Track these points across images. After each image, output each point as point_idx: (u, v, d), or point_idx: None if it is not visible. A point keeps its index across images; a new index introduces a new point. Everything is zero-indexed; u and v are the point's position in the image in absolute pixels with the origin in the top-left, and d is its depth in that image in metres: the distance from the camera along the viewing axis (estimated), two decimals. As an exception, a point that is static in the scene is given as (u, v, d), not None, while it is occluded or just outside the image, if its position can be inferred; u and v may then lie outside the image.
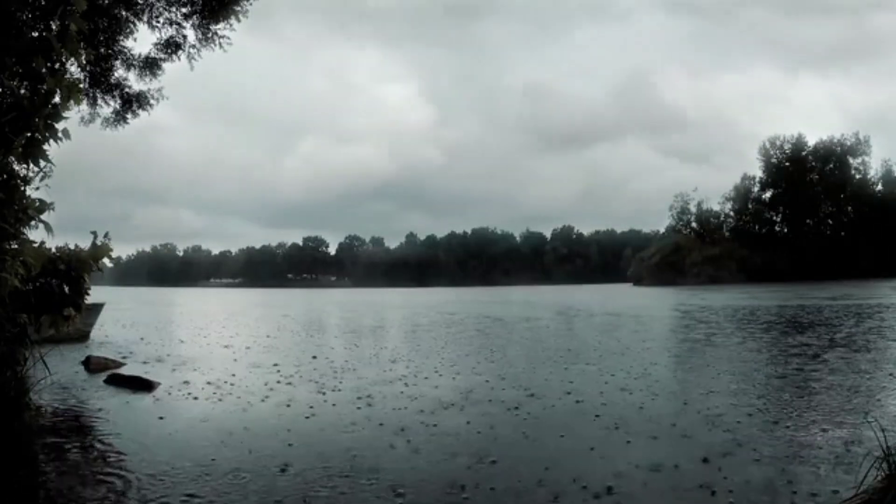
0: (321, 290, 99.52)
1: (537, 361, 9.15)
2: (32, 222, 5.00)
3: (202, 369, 8.47)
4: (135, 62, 10.48)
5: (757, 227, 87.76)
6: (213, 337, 13.90)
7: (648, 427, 5.06)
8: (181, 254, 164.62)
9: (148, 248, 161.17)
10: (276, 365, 8.91)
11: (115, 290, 53.09)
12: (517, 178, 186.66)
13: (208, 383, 7.30)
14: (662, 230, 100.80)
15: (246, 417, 5.57)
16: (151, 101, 10.82)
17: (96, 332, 13.29)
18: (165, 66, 10.54)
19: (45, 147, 4.85)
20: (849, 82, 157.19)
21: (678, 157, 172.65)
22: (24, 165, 4.85)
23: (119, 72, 10.53)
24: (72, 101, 4.96)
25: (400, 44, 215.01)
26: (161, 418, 5.50)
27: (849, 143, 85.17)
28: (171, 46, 10.36)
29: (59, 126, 4.88)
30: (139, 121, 10.88)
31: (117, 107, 10.72)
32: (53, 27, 4.93)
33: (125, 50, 10.36)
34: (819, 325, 14.60)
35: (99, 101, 10.58)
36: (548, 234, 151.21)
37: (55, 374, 6.68)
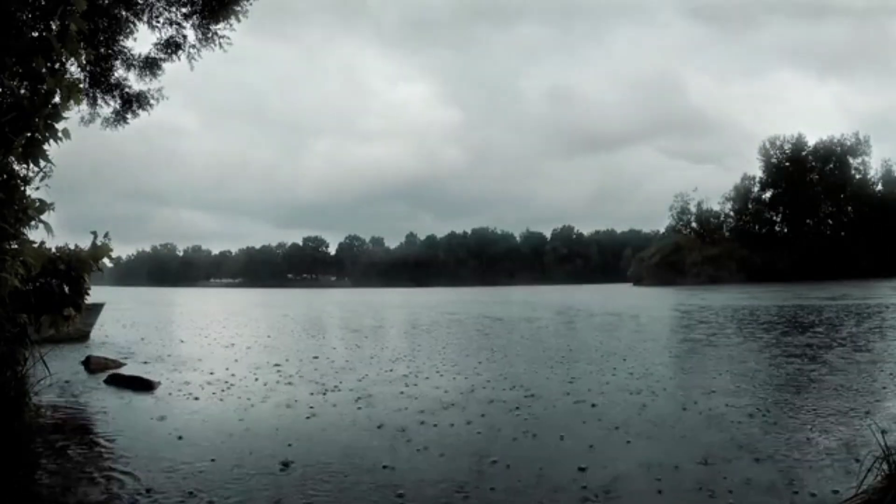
0: (321, 290, 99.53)
1: (538, 361, 9.15)
2: (32, 222, 4.99)
3: (202, 369, 8.47)
4: (135, 62, 10.47)
5: (757, 227, 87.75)
6: (214, 337, 13.90)
7: (649, 428, 5.06)
8: (181, 254, 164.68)
9: (148, 248, 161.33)
10: (276, 365, 8.91)
11: (114, 290, 53.09)
12: (535, 180, 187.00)
13: (208, 383, 7.30)
14: (662, 230, 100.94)
15: (246, 417, 5.57)
16: (151, 101, 10.81)
17: (96, 332, 13.29)
18: (169, 66, 10.54)
19: (45, 147, 4.85)
20: (867, 86, 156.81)
21: (693, 160, 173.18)
22: (24, 165, 4.84)
23: (119, 72, 10.52)
24: (72, 101, 4.96)
25: (421, 46, 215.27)
26: (161, 418, 5.50)
27: (849, 143, 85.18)
28: (171, 46, 10.35)
29: (59, 126, 4.88)
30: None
31: (117, 107, 10.71)
32: (53, 27, 4.92)
33: (125, 50, 10.35)
34: (819, 325, 14.60)
35: (99, 101, 10.57)
36: (548, 234, 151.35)
37: (55, 374, 6.68)
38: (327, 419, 5.46)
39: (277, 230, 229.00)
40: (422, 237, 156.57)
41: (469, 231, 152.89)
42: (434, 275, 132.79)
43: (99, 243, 6.52)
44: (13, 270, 4.90)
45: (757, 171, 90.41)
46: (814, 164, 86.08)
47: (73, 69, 5.87)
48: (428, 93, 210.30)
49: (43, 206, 5.00)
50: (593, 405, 5.95)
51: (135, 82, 10.65)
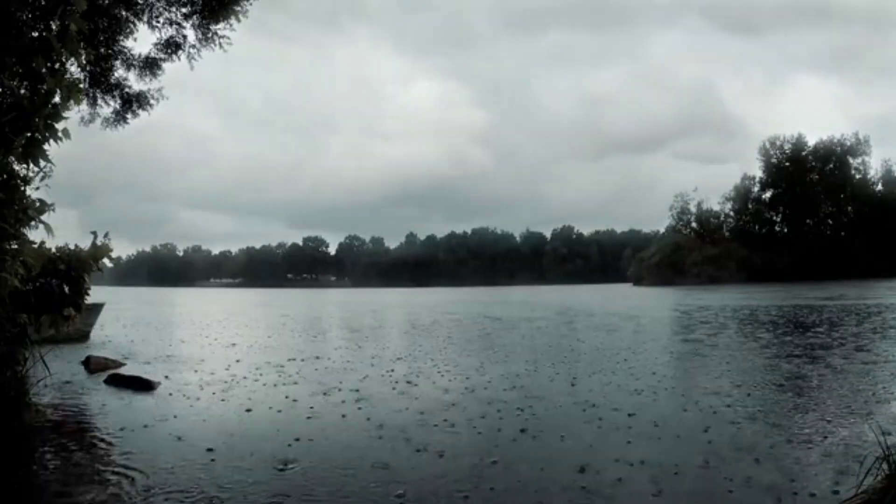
0: (321, 290, 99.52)
1: (538, 361, 9.15)
2: (32, 223, 4.99)
3: (202, 369, 8.47)
4: (135, 62, 10.46)
5: (757, 227, 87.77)
6: (214, 337, 13.90)
7: (650, 428, 5.06)
8: (181, 254, 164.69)
9: (148, 249, 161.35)
10: (276, 365, 8.91)
11: (114, 291, 53.08)
12: (552, 182, 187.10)
13: (209, 383, 7.30)
14: (662, 230, 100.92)
15: (247, 418, 5.57)
16: (151, 101, 10.81)
17: (96, 332, 13.29)
18: (170, 66, 10.54)
19: (45, 147, 4.85)
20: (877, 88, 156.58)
21: (709, 161, 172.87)
22: (24, 165, 4.84)
23: (119, 72, 10.52)
24: (72, 101, 4.96)
25: (457, 50, 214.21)
26: (161, 419, 5.50)
27: (849, 143, 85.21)
28: (171, 46, 10.35)
29: (59, 126, 4.87)
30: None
31: (117, 107, 10.70)
32: (53, 27, 4.92)
33: (125, 50, 10.35)
34: (819, 325, 14.60)
35: (99, 101, 10.57)
36: (548, 234, 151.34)
37: (55, 374, 6.68)
38: (328, 419, 5.45)
39: (279, 230, 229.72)
40: (411, 236, 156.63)
41: (469, 231, 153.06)
42: (434, 275, 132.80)
43: (99, 243, 6.52)
44: (13, 270, 4.90)
45: (757, 171, 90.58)
46: (814, 164, 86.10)
47: (73, 69, 5.87)
48: (448, 95, 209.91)
49: (43, 207, 5.00)
50: (594, 405, 5.95)
51: (135, 82, 10.66)
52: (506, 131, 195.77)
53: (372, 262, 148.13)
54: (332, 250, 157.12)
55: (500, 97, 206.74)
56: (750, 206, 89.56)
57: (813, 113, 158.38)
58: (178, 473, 3.91)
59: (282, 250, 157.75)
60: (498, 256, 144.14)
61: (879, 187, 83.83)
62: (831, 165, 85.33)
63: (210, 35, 10.06)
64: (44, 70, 4.77)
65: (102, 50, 9.89)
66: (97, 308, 12.86)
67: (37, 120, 4.70)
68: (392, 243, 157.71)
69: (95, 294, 7.36)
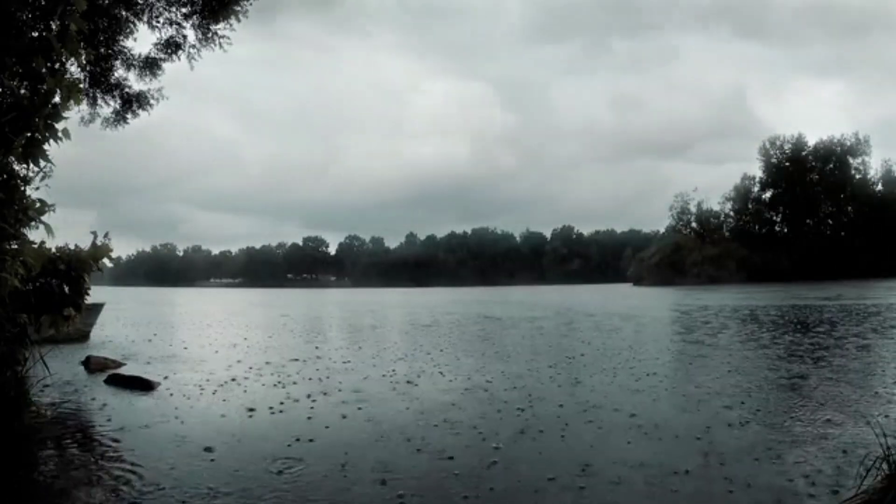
0: (321, 290, 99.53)
1: (539, 362, 9.15)
2: (32, 223, 4.99)
3: (203, 369, 8.47)
4: (135, 62, 10.46)
5: (757, 227, 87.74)
6: (214, 337, 13.90)
7: (650, 429, 5.06)
8: (181, 254, 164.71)
9: (148, 248, 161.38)
10: (276, 365, 8.91)
11: (114, 291, 53.09)
12: (573, 185, 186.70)
13: (209, 383, 7.30)
14: (662, 230, 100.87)
15: (246, 418, 5.57)
16: (151, 101, 10.81)
17: (96, 332, 13.29)
18: (170, 66, 10.54)
19: (45, 147, 4.85)
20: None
21: (727, 162, 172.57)
22: (24, 165, 4.84)
23: (119, 72, 10.52)
24: (72, 101, 4.95)
25: (478, 52, 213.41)
26: (161, 419, 5.50)
27: (849, 143, 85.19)
28: (171, 46, 10.34)
29: (59, 126, 4.87)
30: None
31: (117, 107, 10.70)
32: (53, 27, 4.92)
33: (125, 50, 10.35)
34: (819, 325, 14.60)
35: (99, 101, 10.57)
36: (548, 234, 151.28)
37: (55, 374, 6.68)
38: (328, 419, 5.45)
39: (279, 230, 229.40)
40: (411, 236, 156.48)
41: (469, 231, 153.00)
42: (434, 275, 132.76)
43: (99, 243, 6.52)
44: (13, 270, 4.90)
45: (757, 171, 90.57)
46: (814, 164, 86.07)
47: (73, 69, 5.87)
48: (466, 97, 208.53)
49: (43, 207, 4.99)
50: (594, 406, 5.95)
51: (135, 82, 10.66)
52: (525, 133, 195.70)
53: (372, 262, 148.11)
54: (332, 250, 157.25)
55: (519, 100, 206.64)
56: (750, 206, 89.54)
57: (827, 115, 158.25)
58: (178, 473, 3.91)
59: (282, 250, 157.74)
60: (498, 256, 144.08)
61: (879, 187, 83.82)
62: (831, 165, 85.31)
63: (210, 35, 10.06)
64: (44, 70, 4.77)
65: (102, 50, 9.89)
66: (97, 308, 12.86)
67: (37, 120, 4.70)
68: (392, 243, 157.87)
69: (95, 294, 7.36)
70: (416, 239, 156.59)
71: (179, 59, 10.42)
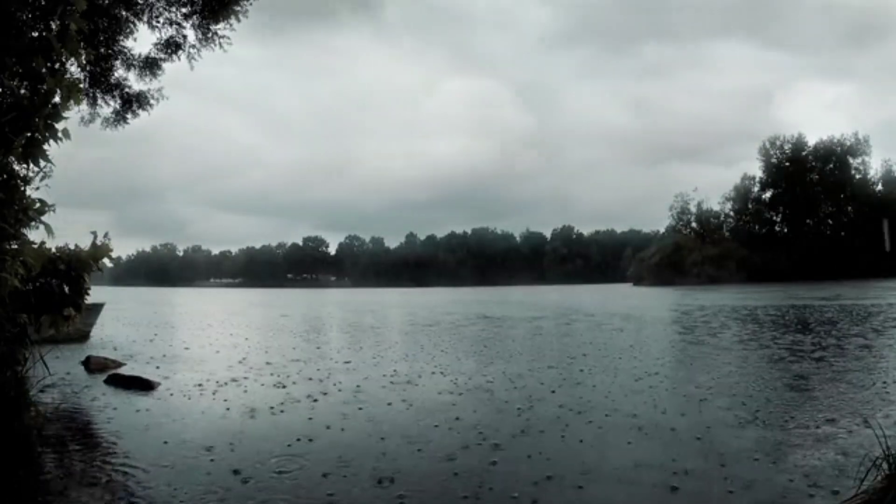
0: (321, 290, 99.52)
1: (540, 362, 9.15)
2: (33, 223, 4.99)
3: (203, 370, 8.47)
4: (135, 62, 10.47)
5: (757, 227, 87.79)
6: (214, 337, 13.90)
7: (650, 429, 5.06)
8: (181, 254, 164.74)
9: (148, 248, 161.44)
10: (277, 365, 8.91)
11: (114, 291, 53.09)
12: (591, 188, 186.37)
13: (209, 383, 7.30)
14: (662, 230, 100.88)
15: (247, 418, 5.57)
16: (151, 101, 10.82)
17: (96, 332, 13.29)
18: (169, 65, 10.54)
19: (45, 147, 4.85)
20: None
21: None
22: (24, 165, 4.84)
23: (119, 72, 10.53)
24: (72, 101, 4.95)
25: (497, 55, 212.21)
26: (161, 419, 5.50)
27: (849, 143, 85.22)
28: (171, 46, 10.35)
29: (59, 126, 4.87)
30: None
31: (117, 107, 10.71)
32: (53, 27, 4.92)
33: (125, 50, 10.35)
34: (819, 325, 14.60)
35: (99, 101, 10.58)
36: (548, 234, 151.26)
37: (55, 374, 6.68)
38: (329, 419, 5.45)
39: (279, 230, 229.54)
40: (410, 236, 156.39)
41: (469, 231, 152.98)
42: (434, 275, 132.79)
43: (99, 243, 6.52)
44: (13, 270, 4.89)
45: (757, 171, 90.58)
46: (814, 164, 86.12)
47: (73, 69, 5.86)
48: (482, 97, 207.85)
49: (43, 207, 4.99)
50: (595, 406, 5.95)
51: (135, 82, 10.67)
52: (540, 135, 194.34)
53: (372, 262, 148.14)
54: (332, 250, 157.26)
55: (536, 102, 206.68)
56: (750, 206, 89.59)
57: (848, 118, 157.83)
58: (178, 473, 3.91)
59: (282, 250, 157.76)
60: (498, 256, 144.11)
61: (879, 187, 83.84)
62: (831, 165, 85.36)
63: (210, 35, 10.07)
64: (44, 70, 4.76)
65: (102, 50, 9.90)
66: (97, 308, 12.86)
67: (37, 120, 4.70)
68: (392, 243, 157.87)
69: (95, 294, 7.36)
70: (416, 239, 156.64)
71: (179, 59, 10.44)
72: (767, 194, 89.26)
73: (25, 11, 5.00)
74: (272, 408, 5.94)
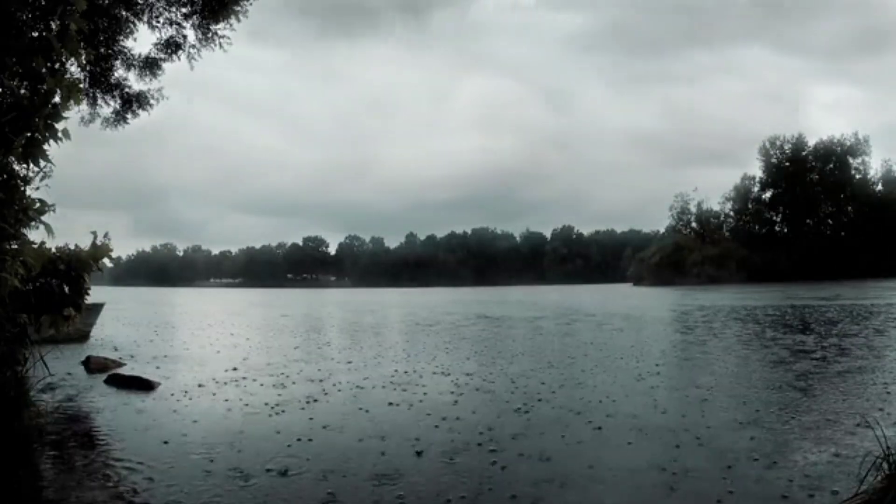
0: (321, 290, 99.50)
1: (540, 362, 9.15)
2: (32, 223, 4.99)
3: (203, 370, 8.47)
4: (135, 62, 10.47)
5: (757, 227, 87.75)
6: (214, 337, 13.90)
7: (650, 429, 5.06)
8: (181, 254, 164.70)
9: (148, 249, 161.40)
10: (277, 365, 8.91)
11: (114, 291, 53.08)
12: (607, 189, 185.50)
13: (209, 383, 7.30)
14: (662, 230, 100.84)
15: (246, 418, 5.57)
16: (151, 101, 10.82)
17: (96, 332, 13.28)
18: (168, 65, 10.55)
19: (45, 147, 4.85)
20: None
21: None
22: (24, 165, 4.84)
23: (119, 72, 10.53)
24: (72, 101, 4.95)
25: (520, 57, 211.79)
26: (162, 419, 5.50)
27: (849, 143, 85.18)
28: (171, 46, 10.35)
29: (59, 126, 4.87)
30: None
31: (117, 107, 10.71)
32: (53, 27, 4.92)
33: (125, 50, 10.36)
34: (820, 325, 14.60)
35: (99, 101, 10.58)
36: (548, 235, 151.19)
37: (55, 374, 6.68)
38: (329, 419, 5.45)
39: (279, 230, 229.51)
40: (410, 236, 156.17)
41: (469, 231, 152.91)
42: (434, 275, 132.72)
43: (99, 243, 6.52)
44: (13, 270, 4.90)
45: (757, 171, 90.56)
46: (814, 164, 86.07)
47: (73, 69, 5.87)
48: (499, 97, 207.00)
49: (43, 207, 5.00)
50: (595, 406, 5.95)
51: (135, 82, 10.67)
52: (561, 137, 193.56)
53: (372, 262, 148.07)
54: (332, 250, 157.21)
55: (557, 105, 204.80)
56: (750, 206, 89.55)
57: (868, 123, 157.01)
58: (178, 473, 3.91)
59: (282, 250, 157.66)
60: (498, 256, 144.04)
61: (879, 187, 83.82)
62: (831, 165, 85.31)
63: (210, 35, 10.07)
64: (44, 70, 4.77)
65: (102, 50, 9.90)
66: (97, 308, 12.86)
67: (37, 120, 4.70)
68: (392, 243, 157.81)
69: (95, 294, 7.36)
70: (416, 239, 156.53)
71: (179, 59, 10.44)
72: (767, 194, 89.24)
73: (25, 11, 5.00)
74: (272, 408, 5.94)
